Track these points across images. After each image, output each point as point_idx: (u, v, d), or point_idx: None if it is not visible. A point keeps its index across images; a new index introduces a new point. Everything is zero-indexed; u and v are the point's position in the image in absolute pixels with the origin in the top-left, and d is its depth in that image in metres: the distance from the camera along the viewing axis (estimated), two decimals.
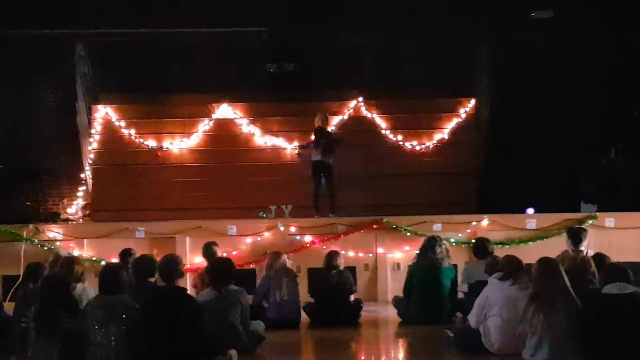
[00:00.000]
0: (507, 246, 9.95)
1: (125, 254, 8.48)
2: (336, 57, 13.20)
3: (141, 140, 13.18)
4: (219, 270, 7.07)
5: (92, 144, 13.21)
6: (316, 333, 8.30)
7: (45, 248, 10.10)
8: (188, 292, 6.38)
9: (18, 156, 12.86)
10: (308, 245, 10.31)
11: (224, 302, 6.77)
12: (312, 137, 11.58)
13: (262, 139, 13.23)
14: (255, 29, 12.96)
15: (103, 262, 9.45)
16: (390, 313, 9.04)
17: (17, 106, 13.01)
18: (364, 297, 9.42)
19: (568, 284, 6.08)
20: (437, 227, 10.28)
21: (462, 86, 13.31)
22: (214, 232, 10.15)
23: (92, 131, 13.27)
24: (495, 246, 9.01)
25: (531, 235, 10.27)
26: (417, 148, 13.16)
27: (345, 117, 13.31)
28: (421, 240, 9.09)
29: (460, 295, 8.49)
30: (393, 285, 10.12)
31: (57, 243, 10.29)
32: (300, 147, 12.29)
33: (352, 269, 9.56)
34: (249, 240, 10.37)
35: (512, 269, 6.66)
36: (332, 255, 8.82)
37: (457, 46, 12.90)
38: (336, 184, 11.52)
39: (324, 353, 7.60)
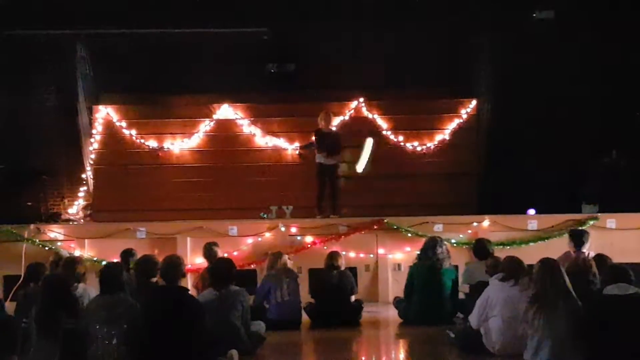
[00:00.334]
0: (508, 247, 9.96)
1: (126, 254, 8.51)
2: (337, 58, 13.20)
3: (142, 140, 13.15)
4: (220, 271, 7.09)
5: (93, 145, 13.18)
6: (317, 334, 8.31)
7: (47, 248, 10.11)
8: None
9: (19, 156, 12.85)
10: (309, 245, 10.32)
11: (225, 302, 6.78)
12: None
13: (263, 140, 13.20)
14: (256, 30, 12.96)
15: (104, 263, 9.45)
16: (391, 314, 9.05)
17: (18, 107, 13.00)
18: (364, 297, 9.43)
19: (569, 284, 6.09)
20: (438, 227, 10.28)
21: (463, 87, 13.27)
22: (214, 233, 10.16)
23: (93, 131, 13.23)
24: (496, 247, 9.02)
25: (532, 236, 10.28)
26: (418, 149, 13.15)
27: (346, 117, 13.30)
28: (422, 241, 9.11)
29: (461, 295, 8.51)
30: (394, 286, 10.13)
31: (58, 243, 10.31)
32: (302, 147, 12.27)
33: (353, 270, 9.59)
34: (249, 240, 10.38)
35: (513, 269, 6.67)
36: (333, 256, 8.84)
37: (458, 47, 12.88)
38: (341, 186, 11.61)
39: (324, 354, 7.60)
